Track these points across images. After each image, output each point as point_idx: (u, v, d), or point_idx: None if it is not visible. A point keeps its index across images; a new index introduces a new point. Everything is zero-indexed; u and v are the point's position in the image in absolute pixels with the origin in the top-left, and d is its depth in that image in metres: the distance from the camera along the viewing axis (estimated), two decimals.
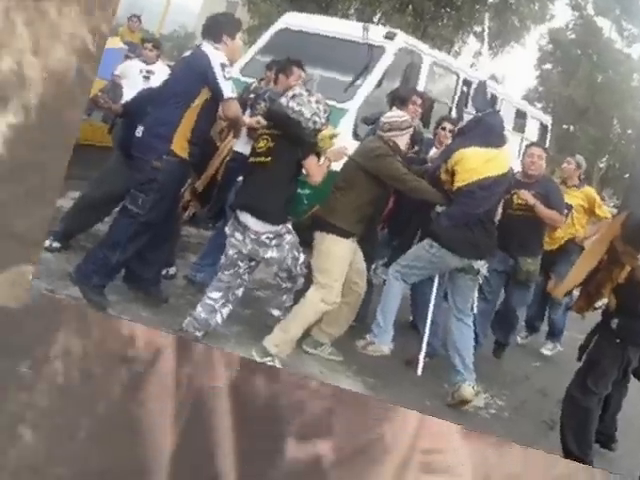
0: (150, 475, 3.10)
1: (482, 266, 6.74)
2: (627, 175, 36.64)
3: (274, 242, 6.26)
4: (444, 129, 8.17)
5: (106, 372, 3.11)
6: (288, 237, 6.35)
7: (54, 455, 3.01)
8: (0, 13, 2.99)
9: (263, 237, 6.22)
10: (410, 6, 26.86)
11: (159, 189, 6.32)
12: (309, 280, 6.63)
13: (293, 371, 5.47)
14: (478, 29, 29.00)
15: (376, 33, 10.59)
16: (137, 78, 9.78)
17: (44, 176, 3.07)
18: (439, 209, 6.84)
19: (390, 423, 3.44)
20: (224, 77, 6.30)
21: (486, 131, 6.81)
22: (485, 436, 3.59)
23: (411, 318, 8.25)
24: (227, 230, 6.41)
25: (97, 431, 3.06)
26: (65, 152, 3.14)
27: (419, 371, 6.99)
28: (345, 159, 6.90)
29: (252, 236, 6.22)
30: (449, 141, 7.82)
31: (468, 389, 6.65)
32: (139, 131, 6.50)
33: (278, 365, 6.18)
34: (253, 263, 6.48)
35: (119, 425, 3.11)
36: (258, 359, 6.13)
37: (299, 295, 6.64)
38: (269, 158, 6.28)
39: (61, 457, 3.02)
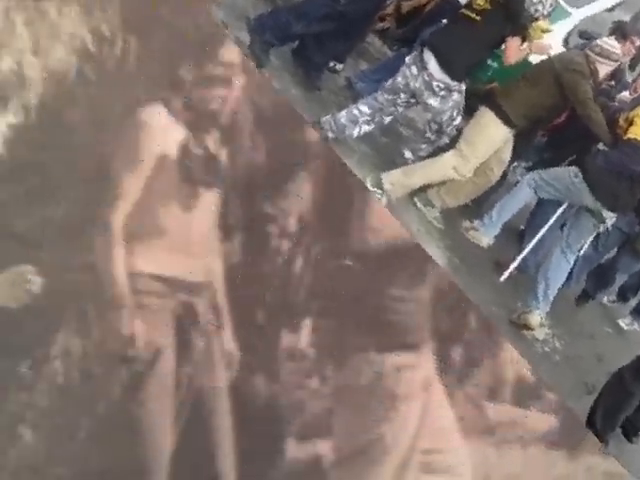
0: (150, 475, 3.11)
1: (610, 218, 6.69)
2: None
3: (442, 93, 6.27)
4: None
5: (106, 372, 3.09)
6: (456, 95, 6.37)
7: (54, 455, 3.01)
8: (0, 13, 2.97)
9: (435, 83, 6.23)
10: None
11: None
12: (453, 143, 6.66)
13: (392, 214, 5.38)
14: None
15: None
16: None
17: (44, 176, 3.05)
18: (602, 147, 6.80)
19: (390, 423, 3.45)
20: None
21: None
22: (485, 436, 3.62)
23: (522, 227, 8.20)
24: (407, 59, 6.41)
25: (97, 431, 3.02)
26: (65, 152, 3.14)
27: (503, 277, 7.03)
28: (544, 57, 6.84)
29: (426, 77, 6.23)
30: None
31: (536, 317, 6.67)
32: None
33: (384, 202, 6.24)
34: (413, 101, 6.49)
35: (119, 425, 3.09)
36: (369, 187, 6.20)
37: (437, 151, 6.69)
38: (479, 18, 6.25)
39: (61, 457, 3.02)
